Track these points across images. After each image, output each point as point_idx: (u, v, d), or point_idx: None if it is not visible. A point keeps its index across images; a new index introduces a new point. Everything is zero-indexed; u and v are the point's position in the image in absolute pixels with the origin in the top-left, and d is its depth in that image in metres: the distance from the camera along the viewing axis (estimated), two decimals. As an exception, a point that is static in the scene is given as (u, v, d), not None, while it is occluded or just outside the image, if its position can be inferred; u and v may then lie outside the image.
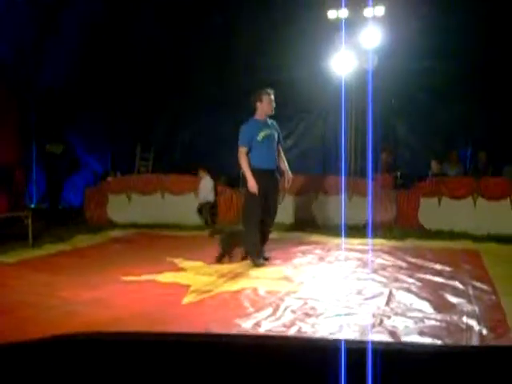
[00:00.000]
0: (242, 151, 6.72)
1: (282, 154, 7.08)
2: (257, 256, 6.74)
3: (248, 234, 6.75)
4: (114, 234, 9.44)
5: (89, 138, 13.15)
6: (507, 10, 10.42)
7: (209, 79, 12.59)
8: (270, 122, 6.88)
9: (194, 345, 2.01)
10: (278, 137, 6.97)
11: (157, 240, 8.92)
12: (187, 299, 5.22)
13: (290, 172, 7.02)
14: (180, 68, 12.85)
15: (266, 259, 6.95)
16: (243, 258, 6.95)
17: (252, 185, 6.60)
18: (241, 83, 11.97)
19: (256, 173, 6.64)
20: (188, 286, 5.69)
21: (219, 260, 6.96)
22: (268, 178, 6.73)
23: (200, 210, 10.22)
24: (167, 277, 6.15)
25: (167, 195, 10.59)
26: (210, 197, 10.33)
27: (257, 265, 6.62)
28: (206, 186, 10.34)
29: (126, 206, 10.66)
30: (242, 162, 6.73)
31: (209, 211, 10.25)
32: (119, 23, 12.02)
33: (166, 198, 10.59)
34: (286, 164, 7.07)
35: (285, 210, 9.96)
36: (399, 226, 9.32)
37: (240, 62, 12.36)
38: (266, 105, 6.75)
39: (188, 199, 10.47)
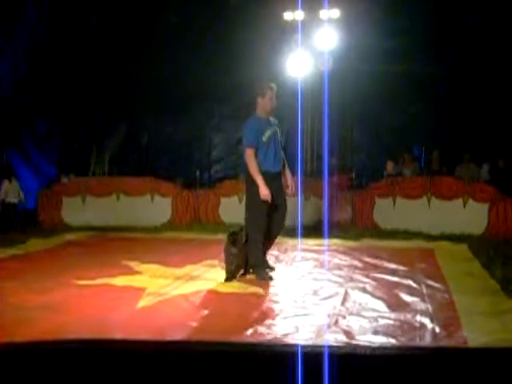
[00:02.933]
0: (251, 153, 6.00)
1: (284, 156, 6.38)
2: (263, 269, 6.13)
3: (255, 246, 6.05)
4: (69, 237, 9.27)
5: (42, 140, 12.92)
6: (459, 12, 10.66)
7: (166, 82, 12.50)
8: (271, 119, 6.24)
9: (144, 352, 1.98)
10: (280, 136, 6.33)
11: (112, 243, 8.80)
12: (142, 303, 5.15)
13: (290, 176, 6.34)
14: (138, 71, 12.72)
15: (272, 268, 6.37)
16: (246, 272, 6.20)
17: (265, 192, 5.89)
18: (198, 86, 11.96)
19: (264, 177, 5.96)
20: (143, 290, 5.61)
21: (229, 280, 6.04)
22: (276, 182, 6.12)
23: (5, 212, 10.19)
24: (122, 280, 6.05)
25: (122, 197, 10.46)
26: (12, 199, 10.25)
27: (264, 279, 5.99)
28: (8, 187, 10.27)
29: (80, 209, 10.50)
30: (250, 166, 5.99)
31: (14, 214, 10.17)
32: (74, 26, 11.82)
33: (122, 200, 10.46)
34: (287, 168, 6.37)
35: (242, 212, 9.97)
36: (355, 226, 9.42)
37: (196, 65, 12.30)
38: (267, 100, 6.10)
39: (143, 201, 10.37)
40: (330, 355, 1.89)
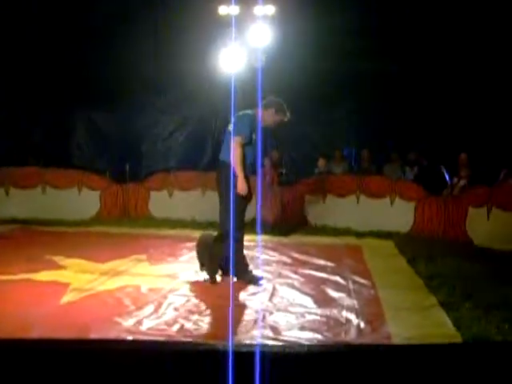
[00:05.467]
0: (240, 142, 5.56)
1: None
2: (248, 271, 5.78)
3: (237, 247, 5.62)
4: (-10, 229, 8.90)
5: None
6: (394, 10, 10.87)
7: (97, 74, 12.16)
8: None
9: (66, 351, 1.91)
10: None
11: (37, 236, 8.49)
12: (66, 298, 5.01)
13: None
14: (69, 61, 12.34)
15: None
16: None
17: (243, 187, 5.53)
18: (130, 78, 11.75)
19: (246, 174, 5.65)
20: (68, 285, 5.46)
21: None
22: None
23: None
24: (46, 275, 5.86)
25: (49, 189, 10.13)
26: None
27: (251, 281, 5.66)
28: None
29: (3, 200, 10.09)
30: (236, 157, 5.53)
31: None
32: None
33: (48, 192, 10.12)
34: None
35: (172, 207, 9.87)
36: (285, 222, 9.46)
37: (129, 56, 12.02)
38: (272, 118, 5.82)
39: (70, 194, 10.08)
40: (261, 353, 1.88)
